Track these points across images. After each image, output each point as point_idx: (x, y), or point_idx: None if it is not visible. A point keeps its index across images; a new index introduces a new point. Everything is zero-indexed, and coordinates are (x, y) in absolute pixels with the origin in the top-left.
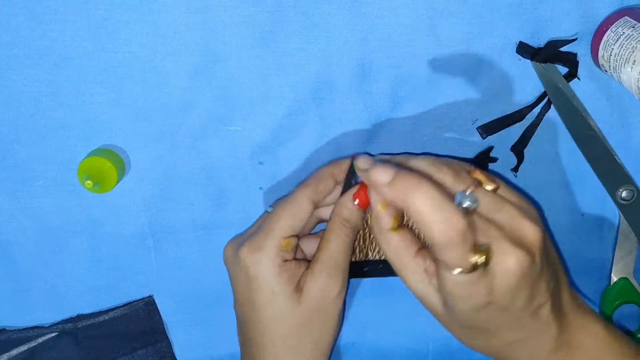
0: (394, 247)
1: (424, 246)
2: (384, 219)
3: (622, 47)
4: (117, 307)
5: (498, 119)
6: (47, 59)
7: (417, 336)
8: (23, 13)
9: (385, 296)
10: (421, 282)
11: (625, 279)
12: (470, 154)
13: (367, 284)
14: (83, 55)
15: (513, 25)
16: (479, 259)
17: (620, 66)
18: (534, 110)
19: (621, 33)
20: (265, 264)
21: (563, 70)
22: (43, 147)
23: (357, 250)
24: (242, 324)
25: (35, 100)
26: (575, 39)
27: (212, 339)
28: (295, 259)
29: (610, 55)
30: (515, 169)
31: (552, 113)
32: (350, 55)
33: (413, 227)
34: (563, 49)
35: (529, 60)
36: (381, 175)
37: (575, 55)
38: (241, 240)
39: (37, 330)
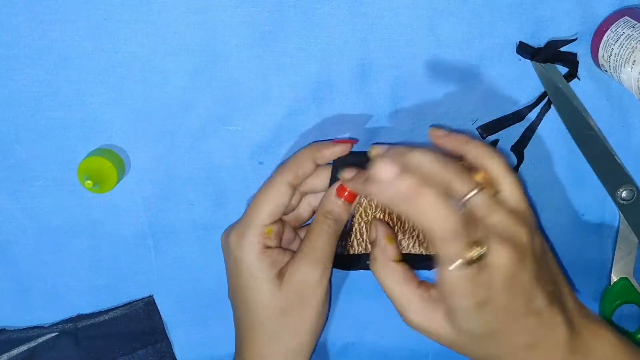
0: (399, 278)
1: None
2: (389, 250)
3: (622, 47)
4: (117, 307)
5: (498, 119)
6: (47, 59)
7: (417, 336)
8: (23, 13)
9: (385, 296)
10: (424, 309)
11: (625, 279)
12: None
13: (367, 284)
14: (83, 55)
15: (513, 25)
16: (474, 252)
17: (620, 66)
18: (534, 110)
19: (621, 33)
20: (247, 250)
21: (563, 70)
22: (43, 147)
23: (356, 244)
24: (233, 309)
25: (35, 100)
26: (575, 39)
27: (212, 339)
28: (282, 247)
29: (610, 55)
30: (516, 169)
31: (552, 113)
32: (350, 55)
33: (405, 225)
34: (563, 49)
35: (529, 60)
36: (385, 172)
37: (575, 55)
38: (232, 226)
39: (37, 330)
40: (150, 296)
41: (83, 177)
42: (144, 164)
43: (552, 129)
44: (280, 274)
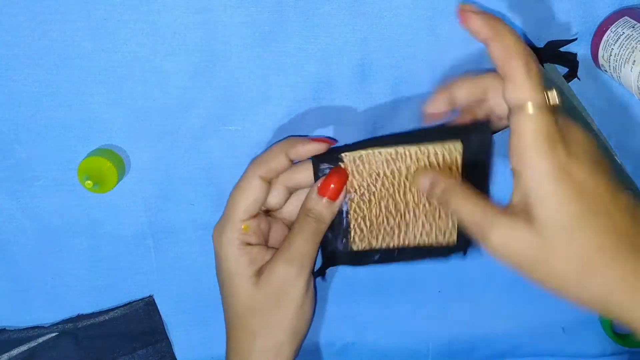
0: (472, 197)
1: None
2: (452, 178)
3: (622, 47)
4: (117, 307)
5: None
6: (47, 59)
7: (417, 336)
8: (23, 13)
9: (385, 296)
10: (505, 223)
11: None
12: None
13: (367, 284)
14: (83, 55)
15: (513, 25)
16: (549, 93)
17: (620, 66)
18: None
19: (621, 33)
20: (225, 245)
21: (563, 70)
22: (43, 147)
23: (358, 240)
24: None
25: (35, 100)
26: (575, 39)
27: (212, 339)
28: (266, 246)
29: (610, 55)
30: None
31: None
32: (350, 55)
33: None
34: (563, 49)
35: None
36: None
37: (575, 55)
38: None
39: (37, 330)
40: (150, 296)
41: (83, 177)
42: (144, 164)
43: None
44: (260, 272)
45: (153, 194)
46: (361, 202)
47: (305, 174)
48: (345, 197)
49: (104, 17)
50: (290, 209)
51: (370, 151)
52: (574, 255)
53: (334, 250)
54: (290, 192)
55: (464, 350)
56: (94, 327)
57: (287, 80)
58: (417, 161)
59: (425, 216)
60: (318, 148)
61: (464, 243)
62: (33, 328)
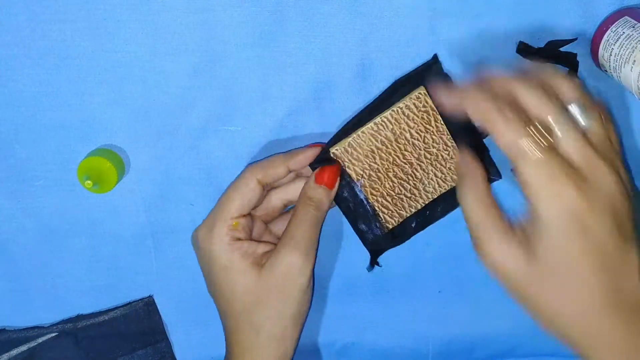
0: (486, 202)
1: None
2: (479, 170)
3: (622, 47)
4: (117, 307)
5: None
6: (47, 59)
7: (417, 336)
8: (23, 13)
9: (385, 296)
10: (503, 240)
11: None
12: None
13: (367, 284)
14: (83, 55)
15: (513, 25)
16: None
17: (620, 66)
18: None
19: (621, 33)
20: (216, 241)
21: (563, 70)
22: (43, 147)
23: (389, 218)
24: (215, 304)
25: (35, 100)
26: (575, 39)
27: (212, 339)
28: (253, 239)
29: (610, 55)
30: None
31: None
32: (350, 55)
33: None
34: (563, 49)
35: (529, 60)
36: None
37: (575, 55)
38: (201, 223)
39: (37, 330)
40: (150, 296)
41: (83, 177)
42: (143, 164)
43: None
44: (257, 264)
45: (153, 194)
46: (372, 183)
47: (281, 169)
48: (356, 184)
49: (104, 17)
50: (270, 206)
51: (354, 135)
52: (563, 296)
53: (375, 238)
54: (267, 190)
55: (464, 350)
56: (94, 327)
57: (287, 80)
58: (397, 121)
59: (433, 165)
60: (314, 151)
61: None
62: (33, 328)
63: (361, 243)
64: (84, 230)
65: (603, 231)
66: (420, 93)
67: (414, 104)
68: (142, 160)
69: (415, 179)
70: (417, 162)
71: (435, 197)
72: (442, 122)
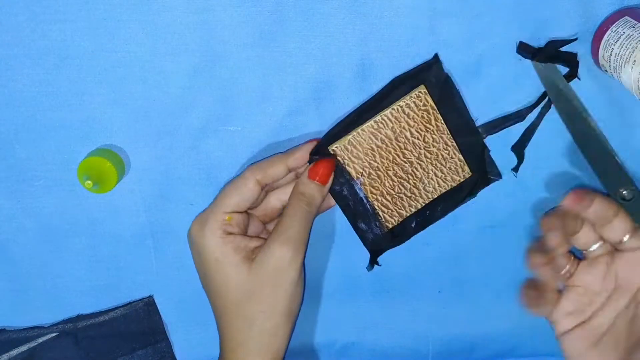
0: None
1: None
2: (567, 319)
3: (622, 47)
4: (117, 307)
5: (498, 119)
6: (47, 59)
7: (417, 336)
8: (23, 13)
9: (385, 296)
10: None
11: None
12: None
13: (367, 284)
14: (83, 55)
15: (513, 25)
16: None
17: (621, 66)
18: (534, 110)
19: (621, 33)
20: (208, 235)
21: (563, 70)
22: (43, 147)
23: (389, 217)
24: (207, 296)
25: (35, 100)
26: (576, 39)
27: (212, 339)
28: (246, 235)
29: (611, 55)
30: (516, 169)
31: (552, 113)
32: (350, 55)
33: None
34: (563, 49)
35: (529, 60)
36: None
37: (575, 55)
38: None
39: (37, 330)
40: (150, 296)
41: (83, 177)
42: (143, 164)
43: (552, 129)
44: (248, 258)
45: (153, 194)
46: (372, 182)
47: (280, 168)
48: (356, 183)
49: (104, 17)
50: (269, 207)
51: (354, 133)
52: None
53: (375, 238)
54: (267, 191)
55: (463, 350)
56: (94, 327)
57: (287, 80)
58: (397, 120)
59: (433, 165)
60: (312, 145)
61: (478, 170)
62: (33, 328)
63: (361, 243)
64: (84, 230)
65: None
66: (420, 92)
67: (415, 102)
68: (142, 160)
69: (415, 178)
70: (417, 161)
71: (435, 196)
72: (442, 121)
